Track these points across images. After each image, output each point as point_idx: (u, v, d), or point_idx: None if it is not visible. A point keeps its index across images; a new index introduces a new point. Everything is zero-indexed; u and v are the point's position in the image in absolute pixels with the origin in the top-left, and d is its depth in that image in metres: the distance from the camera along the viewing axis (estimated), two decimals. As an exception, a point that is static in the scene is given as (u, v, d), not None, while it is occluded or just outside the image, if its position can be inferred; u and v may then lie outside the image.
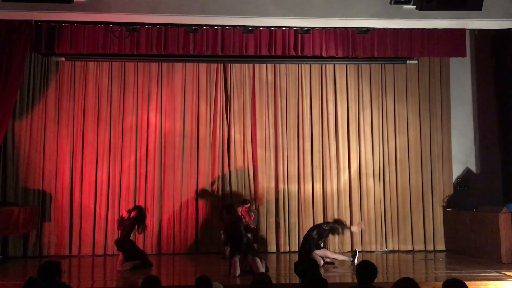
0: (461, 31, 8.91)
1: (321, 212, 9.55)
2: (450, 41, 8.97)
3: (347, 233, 9.48)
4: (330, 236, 9.24)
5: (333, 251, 8.64)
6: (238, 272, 6.93)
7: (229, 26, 8.22)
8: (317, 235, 7.81)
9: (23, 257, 8.84)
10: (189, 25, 8.07)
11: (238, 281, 6.70)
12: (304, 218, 9.50)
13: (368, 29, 8.26)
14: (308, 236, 7.85)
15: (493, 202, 8.89)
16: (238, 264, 6.99)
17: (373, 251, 9.47)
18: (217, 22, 7.89)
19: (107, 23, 8.11)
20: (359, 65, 9.87)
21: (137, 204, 9.18)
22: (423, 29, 8.47)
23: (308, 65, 9.84)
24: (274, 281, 5.97)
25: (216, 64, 9.69)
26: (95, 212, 9.24)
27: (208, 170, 9.52)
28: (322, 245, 7.99)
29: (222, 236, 9.12)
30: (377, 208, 9.63)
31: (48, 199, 9.20)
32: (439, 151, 9.78)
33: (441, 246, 9.52)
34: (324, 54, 8.87)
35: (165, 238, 9.31)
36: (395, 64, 9.88)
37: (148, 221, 9.22)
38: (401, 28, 8.43)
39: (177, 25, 8.24)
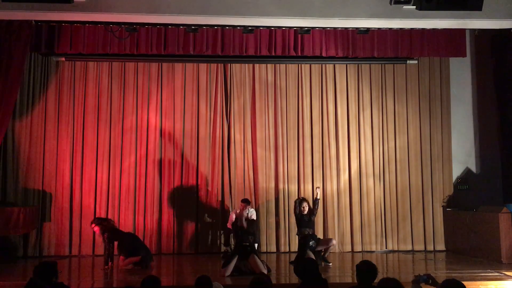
0: (461, 31, 8.91)
1: (321, 212, 9.53)
2: (450, 41, 8.97)
3: (347, 233, 9.55)
4: (331, 236, 9.26)
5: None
6: (229, 272, 6.95)
7: (229, 26, 8.22)
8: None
9: (23, 257, 8.84)
10: (189, 25, 8.07)
11: (238, 281, 6.69)
12: (304, 218, 9.49)
13: (368, 29, 8.26)
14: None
15: (493, 202, 8.90)
16: (233, 264, 7.01)
17: (373, 251, 9.47)
18: (217, 22, 7.89)
19: (107, 23, 8.10)
20: (359, 65, 9.87)
21: (137, 204, 9.23)
22: (423, 29, 8.47)
23: (308, 65, 9.84)
24: (274, 281, 5.98)
25: (216, 64, 9.69)
26: (95, 212, 9.22)
27: (208, 170, 9.52)
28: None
29: (223, 236, 9.14)
30: (377, 208, 9.63)
31: (48, 199, 9.20)
32: (439, 151, 9.79)
33: (441, 246, 9.52)
34: (324, 54, 8.87)
35: (165, 238, 9.31)
36: (395, 64, 9.88)
37: (148, 221, 9.29)
38: (401, 28, 8.43)
39: (177, 25, 8.24)
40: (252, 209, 8.72)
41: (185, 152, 9.53)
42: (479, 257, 8.29)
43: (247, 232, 7.34)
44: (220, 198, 9.47)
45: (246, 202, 8.67)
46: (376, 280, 4.04)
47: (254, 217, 8.47)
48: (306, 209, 7.99)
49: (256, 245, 8.82)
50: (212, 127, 9.61)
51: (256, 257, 7.11)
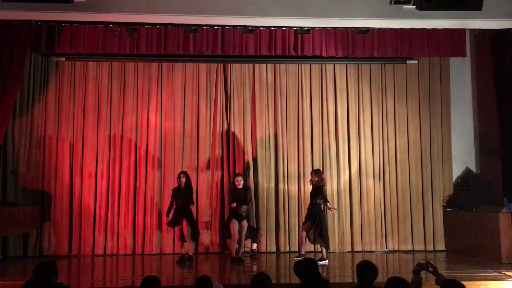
0: (461, 31, 8.91)
1: (321, 212, 9.53)
2: (450, 41, 8.97)
3: (347, 233, 9.55)
4: (331, 236, 9.24)
5: None
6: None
7: (229, 26, 8.21)
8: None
9: (23, 257, 8.84)
10: (189, 25, 8.05)
11: (238, 281, 6.70)
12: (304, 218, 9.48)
13: (368, 29, 8.25)
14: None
15: (493, 202, 8.89)
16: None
17: (373, 251, 9.47)
18: (217, 22, 7.88)
19: (107, 23, 8.09)
20: (359, 65, 9.87)
21: (137, 204, 9.23)
22: (423, 29, 8.47)
23: (308, 65, 9.83)
24: (274, 281, 5.98)
25: (216, 64, 9.68)
26: (95, 212, 9.23)
27: (208, 170, 9.51)
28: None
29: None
30: (377, 208, 9.62)
31: (48, 199, 9.19)
32: (439, 151, 9.78)
33: (441, 246, 9.52)
34: (324, 54, 8.87)
35: (165, 238, 9.31)
36: (395, 64, 9.87)
37: (148, 221, 9.29)
38: (401, 28, 8.43)
39: (177, 25, 8.23)
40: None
41: (185, 152, 9.53)
42: (479, 257, 8.28)
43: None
44: (220, 198, 9.46)
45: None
46: (382, 280, 4.04)
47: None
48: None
49: (255, 245, 8.87)
50: (212, 127, 9.61)
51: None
